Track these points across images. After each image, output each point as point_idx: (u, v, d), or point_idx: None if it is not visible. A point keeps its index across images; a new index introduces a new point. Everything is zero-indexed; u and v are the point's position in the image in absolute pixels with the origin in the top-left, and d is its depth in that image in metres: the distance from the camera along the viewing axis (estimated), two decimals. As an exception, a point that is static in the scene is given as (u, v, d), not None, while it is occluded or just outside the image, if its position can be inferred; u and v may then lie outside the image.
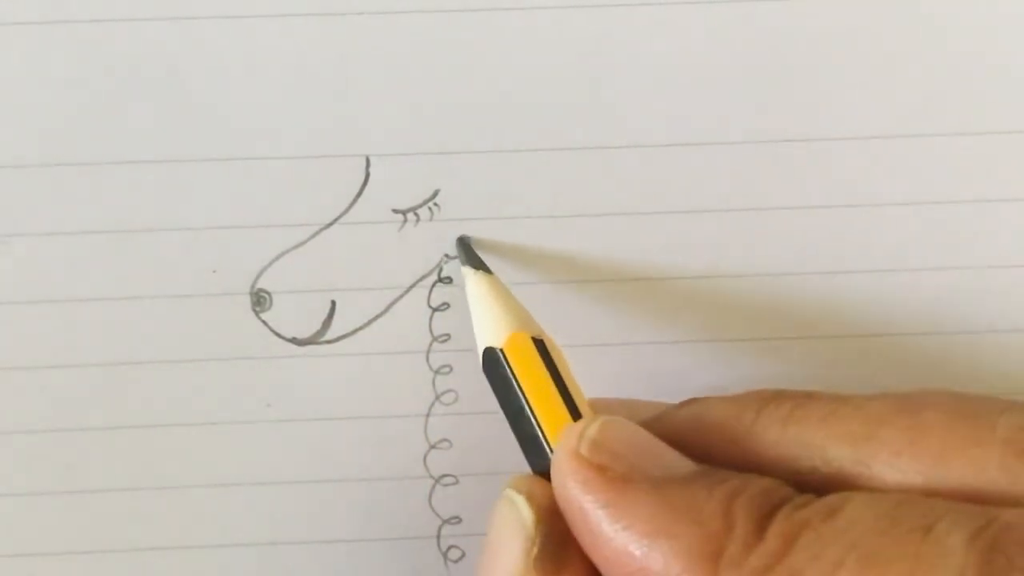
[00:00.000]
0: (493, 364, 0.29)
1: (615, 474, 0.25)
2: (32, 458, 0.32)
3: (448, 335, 0.32)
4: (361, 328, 0.32)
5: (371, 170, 0.31)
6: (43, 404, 0.32)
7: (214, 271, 0.31)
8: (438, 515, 0.33)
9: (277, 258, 0.31)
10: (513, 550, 0.26)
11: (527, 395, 0.28)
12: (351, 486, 0.32)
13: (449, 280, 0.32)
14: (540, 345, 0.28)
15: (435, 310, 0.32)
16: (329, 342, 0.32)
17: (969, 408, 0.26)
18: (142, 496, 0.32)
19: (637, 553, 0.24)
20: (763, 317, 0.32)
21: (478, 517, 0.32)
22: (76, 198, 0.31)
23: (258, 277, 0.31)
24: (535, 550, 0.26)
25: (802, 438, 0.27)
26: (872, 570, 0.23)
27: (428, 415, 0.32)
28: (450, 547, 0.33)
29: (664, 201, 0.31)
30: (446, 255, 0.31)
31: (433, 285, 0.32)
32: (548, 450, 0.27)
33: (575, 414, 0.28)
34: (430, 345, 0.32)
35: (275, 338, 0.32)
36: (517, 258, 0.31)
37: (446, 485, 0.32)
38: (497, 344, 0.29)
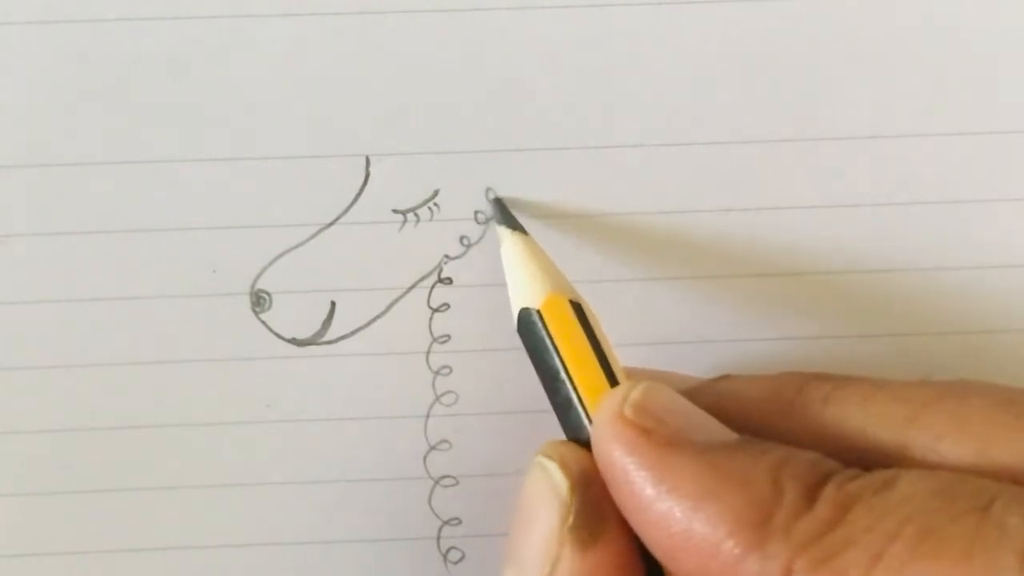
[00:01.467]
0: (529, 325, 0.28)
1: (660, 437, 0.25)
2: (31, 458, 0.32)
3: (448, 336, 0.32)
4: (361, 329, 0.32)
5: (371, 170, 0.31)
6: (42, 404, 0.32)
7: (214, 271, 0.31)
8: (438, 516, 0.33)
9: (277, 258, 0.31)
10: (548, 518, 0.26)
11: (564, 358, 0.27)
12: (351, 487, 0.32)
13: (449, 281, 0.31)
14: (578, 308, 0.28)
15: (435, 311, 0.32)
16: (329, 343, 0.32)
17: (1011, 396, 0.26)
18: (141, 496, 0.32)
19: (682, 516, 0.24)
20: (763, 317, 0.32)
21: (478, 518, 0.32)
22: (76, 198, 0.31)
23: (258, 277, 0.31)
24: (571, 518, 0.26)
25: (842, 419, 0.26)
26: (928, 545, 0.22)
27: (428, 416, 0.32)
28: (450, 548, 0.33)
29: (664, 201, 0.31)
30: (446, 255, 0.31)
31: (433, 286, 0.32)
32: (584, 415, 0.27)
33: (612, 380, 0.27)
34: (430, 346, 0.32)
35: (275, 338, 0.32)
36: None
37: (446, 486, 0.32)
38: (534, 305, 0.28)
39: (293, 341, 0.32)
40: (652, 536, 0.25)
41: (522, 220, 0.31)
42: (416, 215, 0.31)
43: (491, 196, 0.31)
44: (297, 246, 0.31)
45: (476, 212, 0.31)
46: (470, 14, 0.30)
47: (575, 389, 0.27)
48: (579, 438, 0.27)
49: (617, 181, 0.31)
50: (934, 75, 0.31)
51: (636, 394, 0.26)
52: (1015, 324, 0.32)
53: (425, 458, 0.32)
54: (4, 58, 0.30)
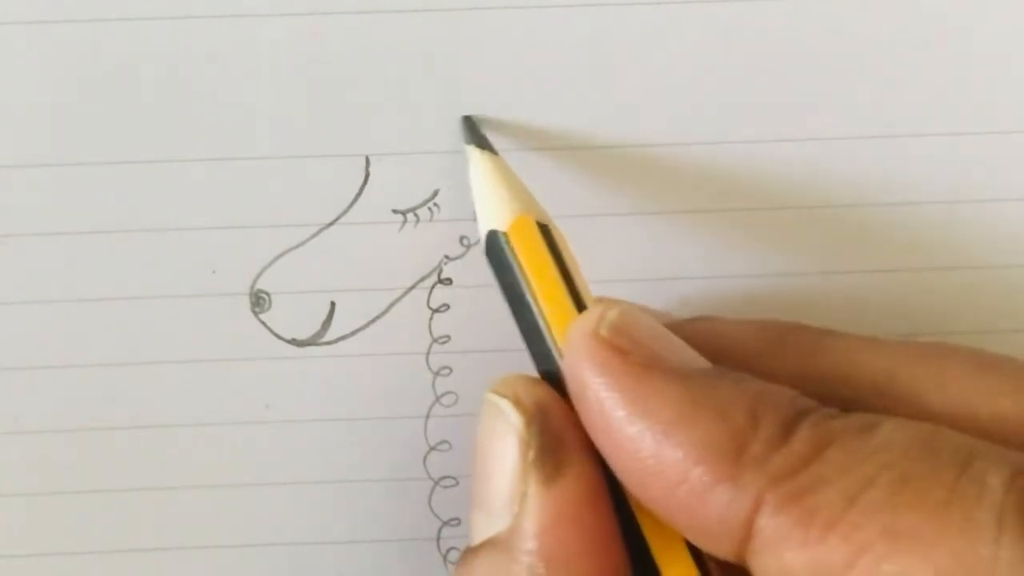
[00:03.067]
0: (496, 248, 0.27)
1: (636, 359, 0.24)
2: (30, 459, 0.32)
3: (448, 336, 0.32)
4: (361, 329, 0.32)
5: (371, 170, 0.31)
6: (42, 404, 0.32)
7: (213, 271, 0.31)
8: (438, 517, 0.33)
9: (276, 258, 0.31)
10: (509, 456, 0.25)
11: (531, 281, 0.26)
12: (350, 487, 0.32)
13: (449, 281, 0.31)
14: (545, 231, 0.27)
15: (435, 311, 0.32)
16: (328, 343, 0.32)
17: (992, 360, 0.26)
18: (141, 497, 0.32)
19: (652, 441, 0.23)
20: (762, 317, 0.32)
21: (478, 519, 0.32)
22: (76, 198, 0.31)
23: (257, 278, 0.31)
24: (531, 452, 0.25)
25: (824, 368, 0.26)
26: (905, 494, 0.22)
27: (428, 417, 0.32)
28: (450, 549, 0.33)
29: (664, 201, 0.31)
30: (446, 256, 0.31)
31: (433, 286, 0.32)
32: (550, 340, 0.26)
33: (581, 306, 0.26)
34: (430, 346, 0.32)
35: (274, 339, 0.32)
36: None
37: (446, 487, 0.32)
38: (501, 227, 0.27)
39: (293, 341, 0.32)
40: (621, 461, 0.24)
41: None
42: (416, 215, 0.31)
43: (463, 119, 0.30)
44: (297, 246, 0.31)
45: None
46: (470, 13, 0.30)
47: (542, 314, 0.26)
48: (546, 366, 0.26)
49: (617, 181, 0.31)
50: (934, 75, 0.31)
51: (613, 314, 0.25)
52: (1015, 324, 0.32)
53: (425, 459, 0.32)
54: (4, 58, 0.30)
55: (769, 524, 0.22)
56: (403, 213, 0.31)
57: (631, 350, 0.24)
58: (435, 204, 0.31)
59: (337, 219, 0.31)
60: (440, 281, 0.31)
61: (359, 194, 0.31)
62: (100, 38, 0.30)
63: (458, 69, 0.30)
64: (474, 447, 0.26)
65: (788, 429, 0.23)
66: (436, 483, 0.32)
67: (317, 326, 0.32)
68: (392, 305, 0.32)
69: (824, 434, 0.23)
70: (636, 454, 0.24)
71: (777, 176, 0.31)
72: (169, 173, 0.31)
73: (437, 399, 0.32)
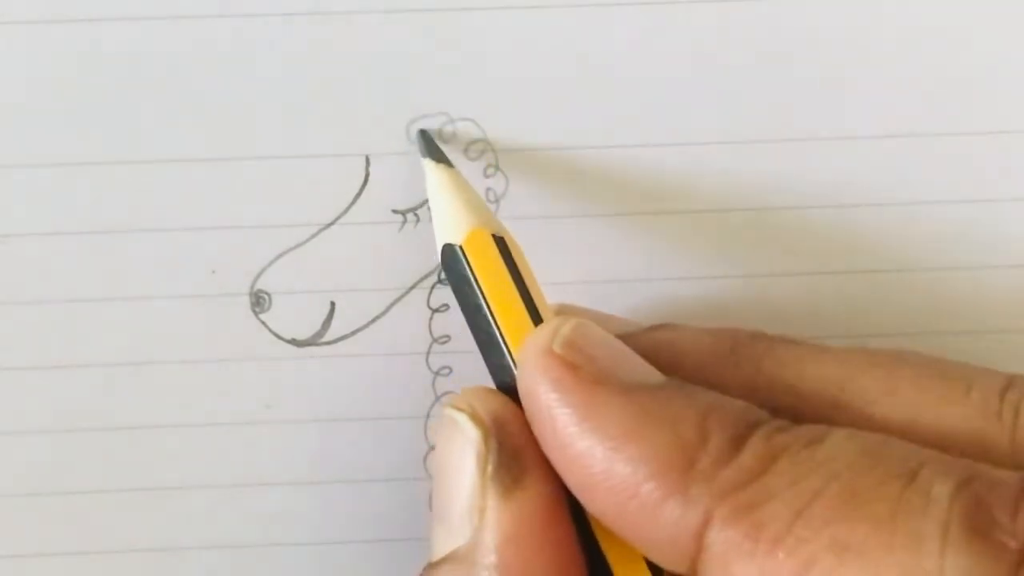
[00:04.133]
0: (452, 262, 0.27)
1: (588, 374, 0.24)
2: (30, 459, 0.32)
3: (448, 336, 0.32)
4: (361, 329, 0.32)
5: (371, 170, 0.31)
6: (42, 404, 0.32)
7: (213, 271, 0.31)
8: (438, 517, 0.33)
9: (276, 258, 0.31)
10: (468, 470, 0.25)
11: (486, 294, 0.27)
12: (350, 488, 0.32)
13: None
14: (501, 243, 0.27)
15: (435, 311, 0.32)
16: (328, 343, 0.32)
17: (943, 368, 0.26)
18: (141, 497, 0.32)
19: (603, 456, 0.23)
20: (763, 318, 0.32)
21: (478, 519, 0.32)
22: (76, 198, 0.31)
23: (257, 278, 0.31)
24: (489, 466, 0.25)
25: (775, 378, 0.26)
26: (851, 506, 0.22)
27: (428, 417, 0.32)
28: (450, 549, 0.33)
29: (664, 201, 0.31)
30: (446, 256, 0.31)
31: (433, 286, 0.32)
32: (507, 353, 0.26)
33: (536, 318, 0.26)
34: (430, 347, 0.32)
35: (274, 339, 0.32)
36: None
37: (446, 487, 0.32)
38: (456, 240, 0.27)
39: (293, 341, 0.32)
40: (573, 475, 0.24)
41: (522, 220, 0.31)
42: (416, 215, 0.31)
43: (419, 132, 0.30)
44: (297, 246, 0.31)
45: None
46: (469, 13, 0.30)
47: (498, 327, 0.26)
48: (504, 379, 0.26)
49: (617, 181, 0.31)
50: (934, 75, 0.31)
51: (566, 329, 0.25)
52: (1015, 324, 0.32)
53: (425, 459, 0.32)
54: (4, 58, 0.30)
55: (718, 538, 0.22)
56: (403, 213, 0.31)
57: (583, 365, 0.25)
58: (435, 204, 0.31)
59: (337, 219, 0.31)
60: (440, 281, 0.31)
61: (359, 194, 0.31)
62: (100, 38, 0.30)
63: (458, 69, 0.30)
64: (435, 462, 0.26)
65: (737, 442, 0.23)
66: (436, 483, 0.32)
67: (317, 326, 0.32)
68: (392, 305, 0.32)
69: (773, 447, 0.23)
70: (588, 469, 0.24)
71: (777, 177, 0.31)
72: (169, 173, 0.31)
73: (437, 399, 0.32)
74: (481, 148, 0.31)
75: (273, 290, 0.31)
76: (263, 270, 0.31)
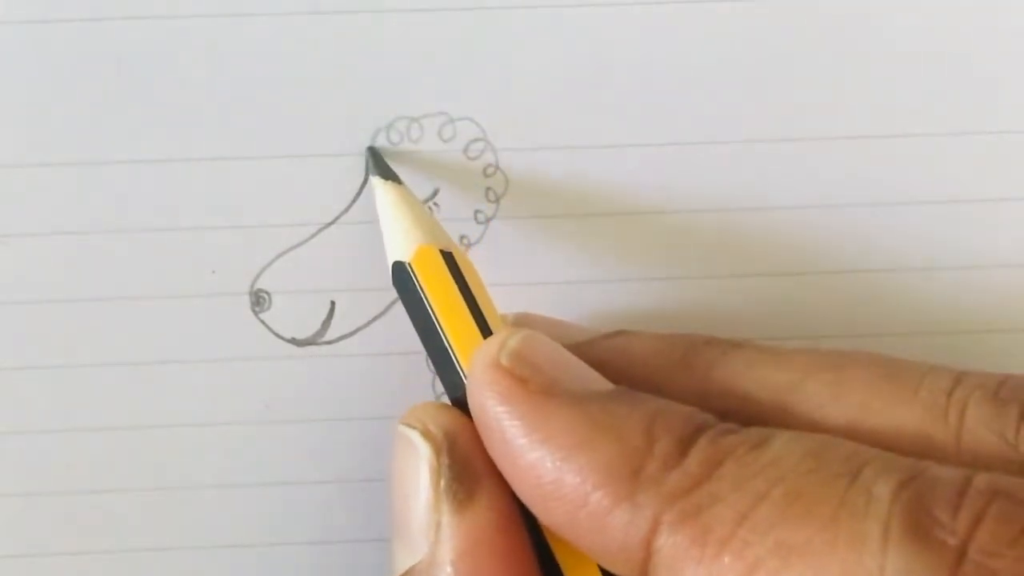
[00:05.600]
0: (402, 280, 0.28)
1: (535, 386, 0.25)
2: (30, 459, 0.32)
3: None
4: (361, 329, 0.32)
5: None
6: (41, 404, 0.31)
7: (213, 271, 0.31)
8: (438, 516, 0.33)
9: (277, 258, 0.31)
10: (420, 485, 0.25)
11: (436, 311, 0.27)
12: (350, 487, 0.32)
13: (449, 281, 0.31)
14: (449, 258, 0.28)
15: (435, 311, 0.32)
16: (329, 343, 0.32)
17: (893, 369, 0.26)
18: (140, 497, 0.32)
19: (552, 466, 0.24)
20: (763, 318, 0.32)
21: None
22: (76, 198, 0.31)
23: (257, 277, 0.31)
24: (442, 481, 0.25)
25: (726, 383, 0.26)
26: (795, 508, 0.22)
27: (428, 416, 0.32)
28: (450, 548, 0.33)
29: (663, 201, 0.31)
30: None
31: (433, 286, 0.32)
32: (459, 368, 0.26)
33: (486, 331, 0.27)
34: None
35: (274, 338, 0.32)
36: (516, 258, 0.31)
37: (446, 486, 0.32)
38: (405, 258, 0.28)
39: (293, 341, 0.32)
40: (524, 487, 0.24)
41: (522, 220, 0.31)
42: (416, 215, 0.31)
43: (369, 150, 0.30)
44: (297, 246, 0.31)
45: (476, 212, 0.31)
46: (469, 13, 0.30)
47: (448, 342, 0.27)
48: (455, 393, 0.27)
49: (617, 182, 0.31)
50: (934, 75, 0.31)
51: (513, 342, 0.25)
52: (1015, 324, 0.32)
53: (425, 458, 0.32)
54: (4, 58, 0.30)
55: (666, 544, 0.23)
56: (403, 213, 0.31)
57: (530, 377, 0.25)
58: (435, 203, 0.31)
59: (337, 218, 0.31)
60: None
61: (359, 193, 0.31)
62: (100, 38, 0.30)
63: (458, 69, 0.30)
64: (390, 477, 0.27)
65: (684, 447, 0.23)
66: (436, 482, 0.32)
67: (317, 325, 0.32)
68: (392, 305, 0.32)
69: (719, 450, 0.23)
70: (538, 480, 0.24)
71: (776, 176, 0.31)
72: (169, 173, 0.31)
73: (437, 398, 0.32)
74: (481, 148, 0.31)
75: (273, 290, 0.31)
76: (263, 270, 0.31)
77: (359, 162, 0.31)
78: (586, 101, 0.31)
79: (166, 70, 0.30)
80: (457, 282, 0.27)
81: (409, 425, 0.26)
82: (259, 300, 0.31)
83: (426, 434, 0.26)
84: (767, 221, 0.31)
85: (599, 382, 0.26)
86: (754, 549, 0.22)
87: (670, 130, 0.31)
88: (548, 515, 0.24)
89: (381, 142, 0.31)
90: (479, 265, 0.30)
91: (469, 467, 0.25)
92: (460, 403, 0.27)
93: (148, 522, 0.32)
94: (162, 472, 0.32)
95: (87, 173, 0.30)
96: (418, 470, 0.26)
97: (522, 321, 0.28)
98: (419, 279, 0.27)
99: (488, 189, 0.31)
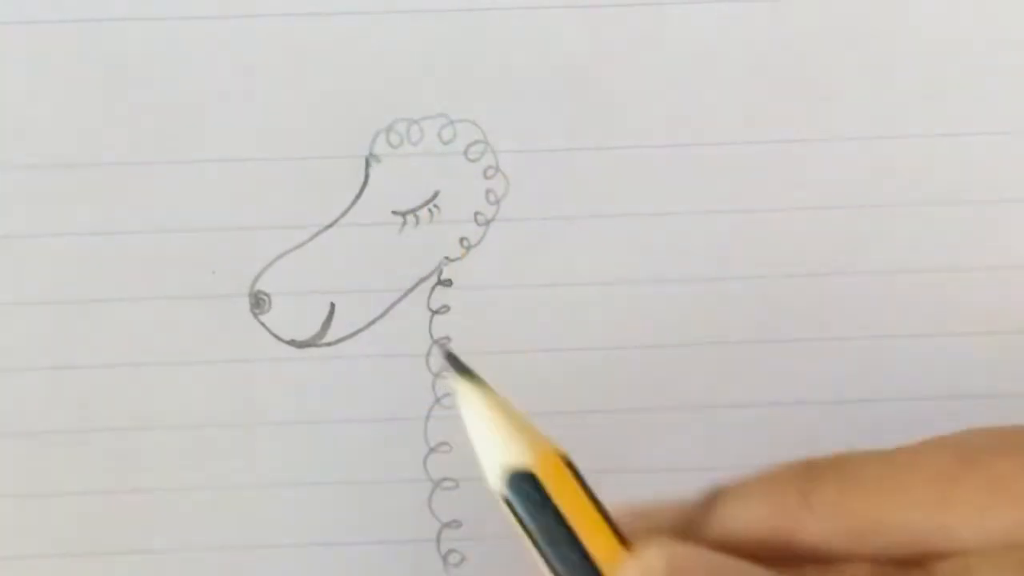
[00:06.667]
0: (522, 490, 0.25)
1: None
2: (29, 460, 0.32)
3: (448, 337, 0.32)
4: (361, 330, 0.32)
5: (371, 171, 0.31)
6: (41, 405, 0.31)
7: (213, 272, 0.31)
8: (438, 519, 0.32)
9: (276, 260, 0.31)
10: None
11: (573, 523, 0.24)
12: (350, 489, 0.32)
13: (449, 283, 0.31)
14: (570, 464, 0.25)
15: (435, 312, 0.32)
16: (328, 344, 0.32)
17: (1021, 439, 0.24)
18: (141, 498, 0.32)
19: None
20: (763, 318, 0.32)
21: (478, 521, 0.32)
22: (75, 199, 0.31)
23: (257, 279, 0.31)
24: None
25: (864, 516, 0.24)
26: None
27: (428, 418, 0.32)
28: (450, 551, 0.33)
29: (664, 202, 0.31)
30: (446, 257, 0.31)
31: (433, 288, 0.32)
32: None
33: (623, 542, 0.24)
34: (430, 348, 0.32)
35: (274, 340, 0.32)
36: (516, 260, 0.31)
37: (446, 489, 0.32)
38: (526, 465, 0.25)
39: (292, 343, 0.32)
40: None
41: (522, 221, 0.31)
42: (416, 217, 0.31)
43: (441, 350, 0.29)
44: (297, 247, 0.31)
45: (476, 214, 0.31)
46: (469, 14, 0.30)
47: (588, 556, 0.24)
48: None
49: (618, 182, 0.31)
50: (934, 75, 0.31)
51: (659, 566, 0.23)
52: (1015, 324, 0.32)
53: (425, 460, 0.32)
54: (4, 58, 0.30)
55: None
56: (403, 214, 0.31)
57: None
58: (435, 206, 0.31)
59: (337, 220, 0.31)
60: (440, 282, 0.31)
61: (359, 195, 0.31)
62: (99, 38, 0.30)
63: (458, 71, 0.30)
64: None
65: None
66: (436, 485, 0.32)
67: (317, 327, 0.32)
68: (392, 306, 0.31)
69: None
70: None
71: (777, 177, 0.31)
72: (168, 174, 0.31)
73: (437, 400, 0.32)
74: (481, 149, 0.31)
75: (273, 291, 0.31)
76: (263, 271, 0.31)
77: (359, 163, 0.31)
78: (586, 102, 0.31)
79: (166, 71, 0.30)
80: (584, 490, 0.25)
81: None
82: (259, 302, 0.31)
83: None
84: (768, 222, 0.31)
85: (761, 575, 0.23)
86: None
87: (670, 132, 0.31)
88: None
89: (381, 144, 0.31)
90: (480, 266, 0.30)
91: None
92: None
93: (145, 524, 0.32)
94: (162, 473, 0.32)
95: (87, 174, 0.31)
96: None
97: (626, 516, 0.25)
98: (548, 488, 0.24)
99: (488, 191, 0.31)
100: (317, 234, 0.31)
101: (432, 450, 0.32)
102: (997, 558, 0.22)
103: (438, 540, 0.33)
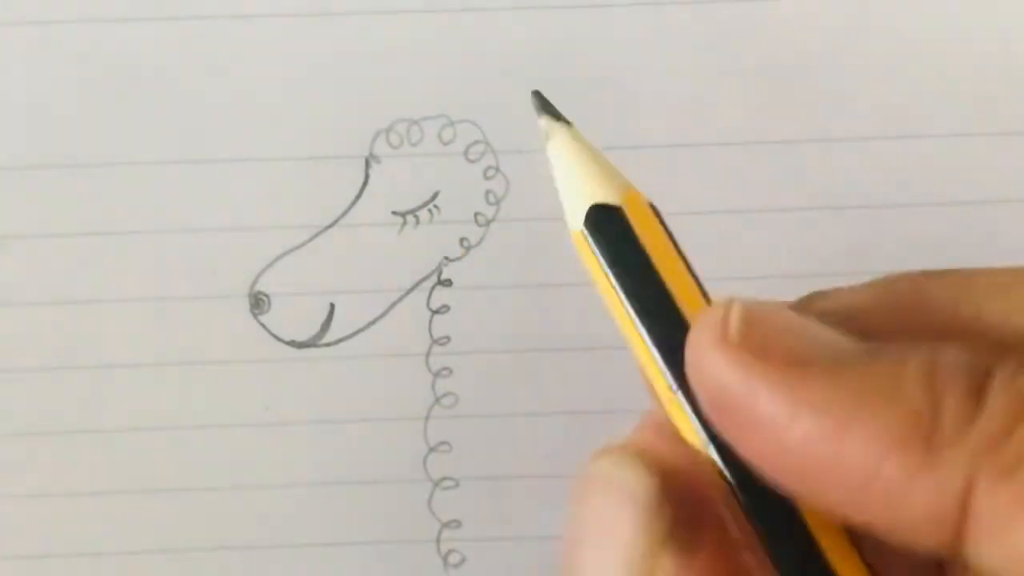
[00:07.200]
0: (609, 224, 0.24)
1: (782, 358, 0.21)
2: (29, 460, 0.32)
3: (448, 338, 0.32)
4: (360, 331, 0.32)
5: (370, 172, 0.31)
6: (40, 406, 0.31)
7: (213, 273, 0.31)
8: (438, 519, 0.32)
9: (276, 260, 0.31)
10: (629, 531, 0.22)
11: (656, 262, 0.23)
12: (350, 489, 0.32)
13: (449, 283, 0.31)
14: (658, 213, 0.24)
15: (435, 313, 0.32)
16: (328, 345, 0.32)
17: None
18: (140, 499, 0.32)
19: (827, 444, 0.21)
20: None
21: (478, 521, 0.32)
22: (75, 199, 0.31)
23: (257, 279, 0.31)
24: (661, 525, 0.22)
25: (981, 315, 0.23)
26: None
27: (427, 418, 0.32)
28: (450, 551, 0.33)
29: (664, 202, 0.31)
30: (446, 257, 0.31)
31: (433, 288, 0.32)
32: (684, 320, 0.23)
33: (702, 289, 0.23)
34: (430, 348, 0.32)
35: (274, 340, 0.32)
36: (516, 260, 0.31)
37: (446, 488, 0.32)
38: (615, 201, 0.24)
39: (292, 343, 0.32)
40: (791, 469, 0.21)
41: (522, 221, 0.31)
42: (416, 217, 0.31)
43: (532, 93, 0.28)
44: (296, 248, 0.31)
45: (476, 214, 0.31)
46: (470, 14, 0.30)
47: (672, 298, 0.23)
48: (676, 354, 0.23)
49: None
50: (934, 75, 0.31)
51: (738, 312, 0.22)
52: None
53: (425, 460, 0.32)
54: (4, 58, 0.30)
55: (987, 506, 0.20)
56: (403, 215, 0.31)
57: (772, 347, 0.21)
58: (435, 206, 0.31)
59: (337, 221, 0.31)
60: (440, 283, 0.31)
61: (359, 196, 0.31)
62: (99, 38, 0.30)
63: (458, 71, 0.30)
64: (569, 534, 0.23)
65: (975, 396, 0.21)
66: (436, 485, 0.32)
67: (316, 328, 0.32)
68: (392, 307, 0.31)
69: (1019, 394, 0.20)
70: (811, 461, 0.21)
71: (777, 177, 0.31)
72: (169, 174, 0.31)
73: (437, 400, 0.32)
74: (481, 150, 0.31)
75: (272, 292, 0.31)
76: (262, 272, 0.31)
77: (359, 164, 0.31)
78: (586, 103, 0.31)
79: (167, 72, 0.30)
80: (669, 237, 0.24)
81: (615, 462, 0.22)
82: (258, 302, 0.31)
83: (645, 467, 0.22)
84: (768, 222, 0.31)
85: (845, 340, 0.22)
86: None
87: (670, 132, 0.31)
88: (826, 496, 0.21)
89: (381, 144, 0.31)
90: (480, 266, 0.30)
91: (696, 507, 0.22)
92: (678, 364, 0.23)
93: (145, 525, 0.32)
94: (162, 474, 0.32)
95: (87, 174, 0.31)
96: (624, 517, 0.22)
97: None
98: (633, 225, 0.24)
99: (488, 191, 0.31)
100: (317, 234, 0.31)
101: (432, 450, 0.32)
102: None
103: (438, 540, 0.33)
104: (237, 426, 0.32)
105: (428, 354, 0.32)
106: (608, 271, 0.24)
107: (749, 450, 0.21)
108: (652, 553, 0.22)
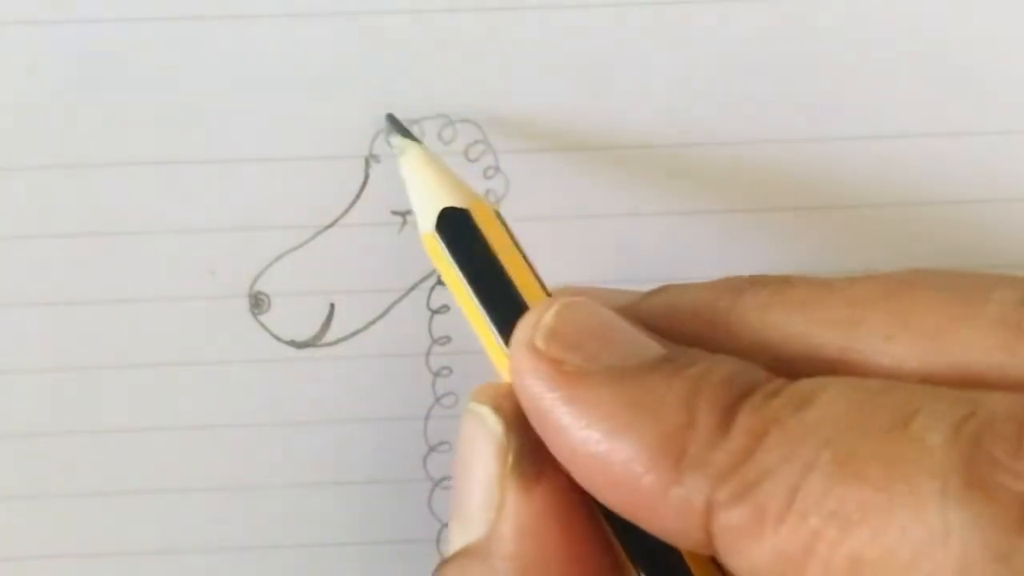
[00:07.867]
0: (457, 225, 0.26)
1: (571, 367, 0.23)
2: (29, 461, 0.32)
3: (448, 337, 0.32)
4: (360, 331, 0.32)
5: (370, 171, 0.31)
6: (40, 407, 0.31)
7: (212, 273, 0.31)
8: (438, 518, 0.33)
9: (276, 260, 0.31)
10: (486, 464, 0.25)
11: (503, 262, 0.26)
12: (350, 489, 0.32)
13: (449, 283, 0.32)
14: (502, 219, 0.27)
15: (435, 312, 0.32)
16: (328, 344, 0.32)
17: (960, 284, 0.24)
18: (140, 500, 0.32)
19: (598, 450, 0.23)
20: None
21: (478, 521, 0.32)
22: (74, 199, 0.31)
23: (256, 279, 0.31)
24: (510, 459, 0.24)
25: (783, 325, 0.24)
26: (846, 471, 0.20)
27: (427, 418, 0.32)
28: (450, 551, 0.33)
29: (664, 202, 0.31)
30: (446, 257, 0.31)
31: (433, 287, 0.32)
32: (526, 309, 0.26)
33: (546, 290, 0.26)
34: (430, 347, 0.32)
35: (273, 341, 0.32)
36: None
37: (446, 488, 0.32)
38: (463, 205, 0.27)
39: (292, 343, 0.32)
40: (576, 471, 0.24)
41: (522, 222, 0.31)
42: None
43: (386, 115, 0.30)
44: (296, 248, 0.31)
45: None
46: (469, 14, 0.30)
47: (518, 294, 0.26)
48: None
49: (618, 182, 0.31)
50: (934, 75, 0.31)
51: (548, 318, 0.24)
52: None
53: (425, 460, 0.32)
54: (4, 58, 0.30)
55: (723, 526, 0.22)
56: (402, 214, 0.31)
57: (565, 358, 0.24)
58: (435, 206, 0.31)
59: (336, 220, 0.31)
60: (440, 282, 0.31)
61: (358, 195, 0.31)
62: (100, 38, 0.30)
63: (458, 70, 0.30)
64: (456, 458, 0.26)
65: (727, 418, 0.22)
66: (436, 484, 0.32)
67: (316, 328, 0.32)
68: (392, 306, 0.32)
69: (763, 419, 0.22)
70: (587, 465, 0.23)
71: (777, 177, 0.31)
72: (168, 174, 0.31)
73: (437, 400, 0.32)
74: (481, 150, 0.31)
75: (272, 292, 0.31)
76: (262, 271, 0.31)
77: (358, 163, 0.31)
78: (586, 102, 0.31)
79: (166, 71, 0.30)
80: (513, 240, 0.27)
81: (479, 402, 0.25)
82: (258, 302, 0.31)
83: (498, 410, 0.25)
84: (769, 222, 0.31)
85: (642, 345, 0.24)
86: (810, 522, 0.21)
87: (671, 131, 0.31)
88: (605, 498, 0.23)
89: (381, 144, 0.31)
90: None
91: (538, 445, 0.24)
92: None
93: (145, 526, 0.32)
94: (161, 474, 0.32)
95: (86, 174, 0.30)
96: (485, 447, 0.25)
97: (563, 293, 0.27)
98: (480, 227, 0.26)
99: (488, 191, 0.31)
100: (317, 234, 0.31)
101: (432, 450, 0.32)
102: (843, 387, 0.22)
103: (438, 540, 0.33)
104: (237, 426, 0.32)
105: (428, 354, 0.32)
106: (456, 267, 0.26)
107: (552, 449, 0.24)
108: (501, 482, 0.24)
